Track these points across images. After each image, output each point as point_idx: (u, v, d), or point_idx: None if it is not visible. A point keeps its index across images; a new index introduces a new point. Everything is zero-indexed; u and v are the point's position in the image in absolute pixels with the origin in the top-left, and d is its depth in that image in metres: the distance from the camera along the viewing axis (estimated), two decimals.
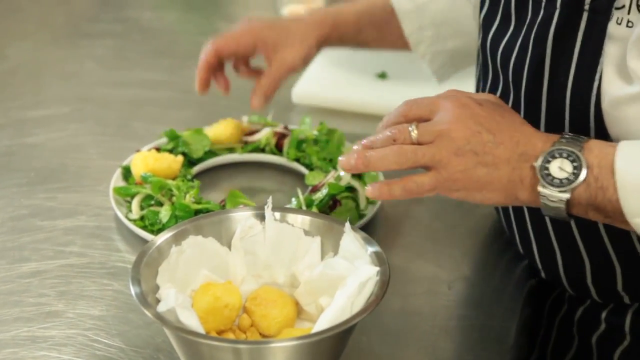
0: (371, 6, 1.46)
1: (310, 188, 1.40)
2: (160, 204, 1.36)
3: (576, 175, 0.99)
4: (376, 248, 1.09)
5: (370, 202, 1.40)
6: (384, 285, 1.04)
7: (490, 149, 1.02)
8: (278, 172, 1.48)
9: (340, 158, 1.08)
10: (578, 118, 1.09)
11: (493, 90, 1.21)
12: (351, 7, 1.46)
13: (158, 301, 1.04)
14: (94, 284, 1.25)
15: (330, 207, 1.35)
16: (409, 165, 1.04)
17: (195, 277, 1.11)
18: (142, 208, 1.37)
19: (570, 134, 1.02)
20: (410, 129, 1.04)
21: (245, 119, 1.57)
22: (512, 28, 1.16)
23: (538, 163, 1.00)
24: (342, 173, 1.42)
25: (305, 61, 1.46)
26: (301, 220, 1.15)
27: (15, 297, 1.23)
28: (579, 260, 1.19)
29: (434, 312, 1.22)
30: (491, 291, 1.27)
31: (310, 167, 1.47)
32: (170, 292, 1.03)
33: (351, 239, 1.10)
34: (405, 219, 1.42)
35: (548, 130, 1.10)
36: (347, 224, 1.11)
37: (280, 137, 1.52)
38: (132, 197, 1.38)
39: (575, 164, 0.99)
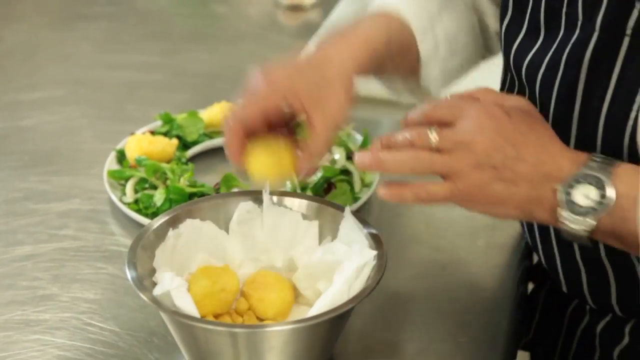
0: (394, 26, 1.16)
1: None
2: (155, 187, 1.35)
3: (602, 204, 0.93)
4: (373, 231, 1.09)
5: (365, 185, 1.39)
6: (381, 269, 1.04)
7: (511, 164, 0.97)
8: None
9: (355, 153, 1.03)
10: (610, 145, 1.02)
11: None
12: (376, 28, 1.14)
13: (154, 284, 1.04)
14: (88, 267, 1.25)
15: (325, 190, 1.35)
16: (424, 172, 0.99)
17: (192, 260, 1.10)
18: (136, 191, 1.36)
19: (601, 155, 0.97)
20: (430, 134, 0.99)
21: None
22: (540, 42, 1.10)
23: (562, 188, 0.95)
24: (336, 156, 1.41)
25: (351, 105, 1.11)
26: (298, 204, 1.15)
27: (8, 280, 1.22)
28: (605, 280, 1.15)
29: (429, 295, 1.22)
30: (486, 273, 1.27)
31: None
32: (166, 275, 1.03)
33: (350, 224, 1.10)
34: None
35: (579, 149, 1.03)
36: (347, 209, 1.11)
37: None
38: (127, 180, 1.38)
39: (601, 192, 0.93)
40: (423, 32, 1.18)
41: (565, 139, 1.05)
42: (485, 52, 1.32)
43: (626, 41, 1.00)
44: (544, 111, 1.09)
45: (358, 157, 1.02)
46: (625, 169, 0.95)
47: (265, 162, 1.10)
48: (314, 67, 1.08)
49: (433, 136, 0.98)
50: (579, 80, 1.04)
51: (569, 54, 1.05)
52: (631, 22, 0.99)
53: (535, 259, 1.33)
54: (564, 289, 1.22)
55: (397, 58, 1.17)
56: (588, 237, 0.96)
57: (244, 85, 1.11)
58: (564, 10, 1.06)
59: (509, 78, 1.19)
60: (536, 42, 1.11)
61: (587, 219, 0.94)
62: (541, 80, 1.09)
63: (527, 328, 1.36)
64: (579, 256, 1.16)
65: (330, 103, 1.07)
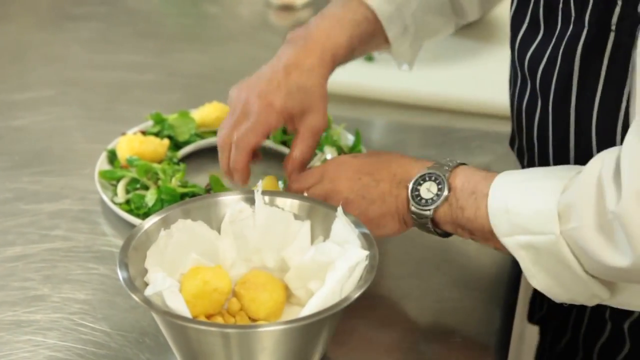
0: (357, 22, 1.29)
1: None
2: (146, 188, 1.35)
3: (439, 195, 1.10)
4: (365, 231, 1.09)
5: None
6: (373, 268, 1.04)
7: (373, 188, 1.15)
8: (264, 155, 1.47)
9: None
10: (605, 135, 1.09)
11: (522, 94, 1.20)
12: (339, 28, 1.28)
13: (146, 285, 1.04)
14: (79, 267, 1.24)
15: None
16: None
17: (184, 261, 1.10)
18: (127, 192, 1.36)
19: (446, 159, 1.13)
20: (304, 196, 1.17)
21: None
22: (540, 35, 1.15)
23: (410, 186, 1.12)
24: (328, 156, 1.41)
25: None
26: (290, 204, 1.15)
27: None
28: None
29: (422, 295, 1.22)
30: (478, 273, 1.27)
31: None
32: (157, 275, 1.03)
33: (342, 223, 1.10)
34: None
35: (578, 140, 1.12)
36: (339, 209, 1.11)
37: None
38: (118, 180, 1.37)
39: (440, 186, 1.10)
40: (390, 19, 1.31)
41: (564, 130, 1.13)
42: (458, 20, 1.42)
43: (612, 36, 1.05)
44: (544, 105, 1.15)
45: None
46: (463, 169, 1.11)
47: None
48: (302, 89, 1.23)
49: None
50: (573, 73, 1.10)
51: (564, 48, 1.10)
52: (614, 18, 1.04)
53: None
54: None
55: (360, 47, 1.31)
56: (436, 229, 1.12)
57: (234, 104, 1.25)
58: (560, 6, 1.11)
59: (512, 71, 1.24)
60: (537, 36, 1.15)
61: (428, 207, 1.10)
62: (541, 74, 1.14)
63: (540, 304, 1.39)
64: None
65: (315, 120, 1.24)
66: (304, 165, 1.25)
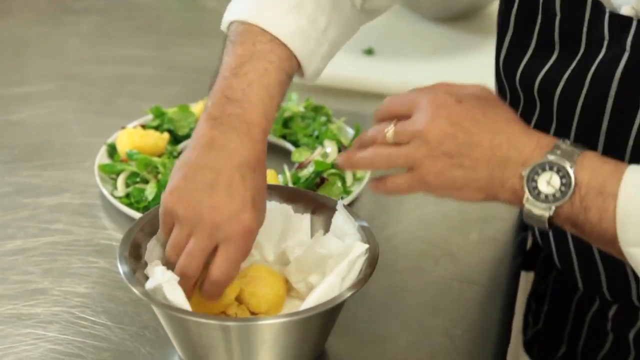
0: (281, 80, 1.11)
1: (296, 165, 1.39)
2: (146, 182, 1.35)
3: (563, 193, 0.93)
4: (365, 225, 1.09)
5: (356, 179, 1.39)
6: (373, 262, 1.04)
7: (466, 151, 0.97)
8: None
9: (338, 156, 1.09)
10: None
11: (526, 115, 1.12)
12: (270, 99, 1.09)
13: (146, 278, 1.04)
14: (79, 261, 1.24)
15: (317, 184, 1.35)
16: (386, 167, 1.02)
17: None
18: (127, 185, 1.36)
19: (567, 142, 0.96)
20: (387, 129, 1.01)
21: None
22: (554, 58, 1.09)
23: (526, 173, 0.95)
24: (328, 149, 1.41)
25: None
26: (290, 197, 1.15)
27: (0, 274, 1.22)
28: (625, 279, 1.16)
29: (421, 289, 1.22)
30: (478, 267, 1.27)
31: (296, 144, 1.46)
32: (157, 268, 1.03)
33: (343, 217, 1.10)
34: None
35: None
36: (340, 202, 1.11)
37: None
38: (118, 174, 1.38)
39: (564, 180, 0.93)
40: (309, 58, 1.14)
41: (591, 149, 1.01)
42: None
43: None
44: (564, 128, 1.09)
45: (337, 158, 1.07)
46: (589, 158, 0.94)
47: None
48: (256, 192, 1.05)
49: (390, 132, 1.00)
50: (609, 97, 1.03)
51: (595, 73, 1.05)
52: None
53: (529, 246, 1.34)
54: (580, 286, 1.23)
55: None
56: (548, 223, 0.96)
57: (184, 223, 1.04)
58: (584, 30, 1.06)
59: (508, 96, 1.17)
60: (548, 59, 1.10)
61: (549, 205, 0.94)
62: (560, 97, 1.08)
63: (535, 319, 1.38)
64: (598, 258, 1.16)
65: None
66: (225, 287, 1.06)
